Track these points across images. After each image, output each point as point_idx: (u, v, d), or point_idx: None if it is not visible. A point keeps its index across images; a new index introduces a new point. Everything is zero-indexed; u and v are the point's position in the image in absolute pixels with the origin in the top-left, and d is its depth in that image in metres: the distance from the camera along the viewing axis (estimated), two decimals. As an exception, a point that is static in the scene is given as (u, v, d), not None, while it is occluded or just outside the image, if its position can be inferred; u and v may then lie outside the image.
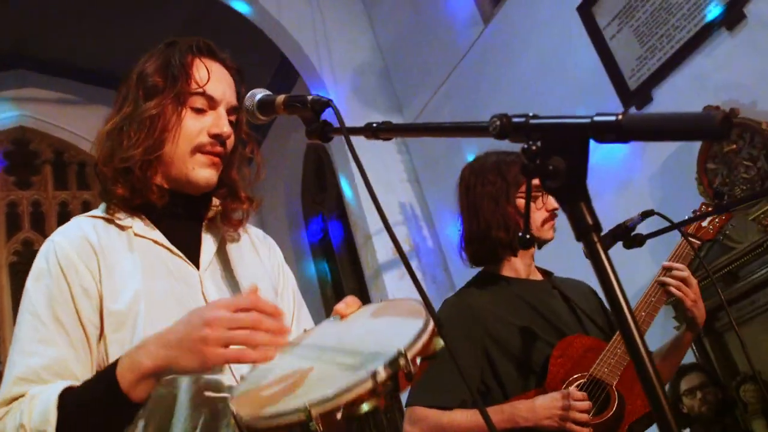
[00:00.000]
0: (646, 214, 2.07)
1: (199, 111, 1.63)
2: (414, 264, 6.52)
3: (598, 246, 0.81)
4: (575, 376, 2.30)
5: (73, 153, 9.00)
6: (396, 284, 6.38)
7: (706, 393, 4.06)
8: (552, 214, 2.54)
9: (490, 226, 2.51)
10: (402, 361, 1.13)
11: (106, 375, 1.34)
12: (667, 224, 2.31)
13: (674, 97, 4.75)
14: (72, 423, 1.32)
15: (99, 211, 1.65)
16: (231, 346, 1.26)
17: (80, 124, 8.71)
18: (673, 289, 2.38)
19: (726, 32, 4.47)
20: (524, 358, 2.35)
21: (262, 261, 1.79)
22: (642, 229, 2.11)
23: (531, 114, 0.88)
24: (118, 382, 1.30)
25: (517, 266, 2.56)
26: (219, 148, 1.64)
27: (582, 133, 0.82)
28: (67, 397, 1.34)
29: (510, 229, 2.48)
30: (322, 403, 1.10)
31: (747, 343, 4.26)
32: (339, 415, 1.10)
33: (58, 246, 1.53)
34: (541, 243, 2.56)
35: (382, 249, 6.53)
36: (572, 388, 2.25)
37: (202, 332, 1.25)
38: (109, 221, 1.60)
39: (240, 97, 1.69)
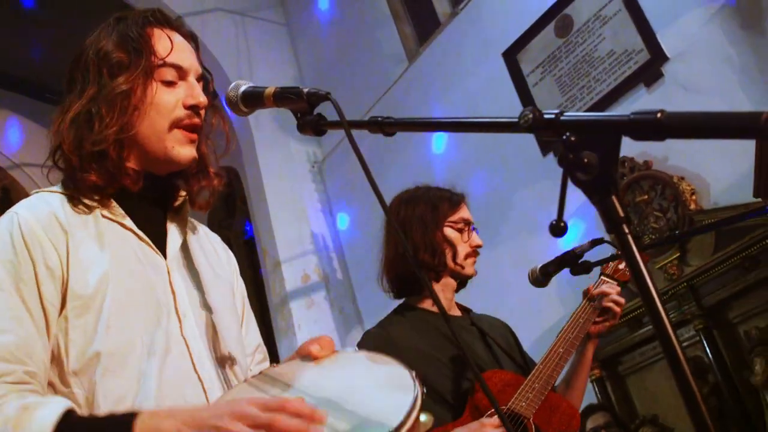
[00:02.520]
0: (594, 243, 2.13)
1: (169, 83, 1.56)
2: (322, 295, 6.50)
3: (629, 237, 0.84)
4: (492, 410, 2.32)
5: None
6: (303, 313, 6.33)
7: (610, 433, 4.18)
8: (474, 251, 2.59)
9: (417, 248, 2.53)
10: None
11: (123, 420, 1.22)
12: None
13: (591, 146, 4.93)
14: None
15: (64, 189, 1.54)
16: None
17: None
18: (611, 305, 2.47)
19: (644, 88, 4.70)
20: (443, 392, 2.36)
21: (222, 263, 1.74)
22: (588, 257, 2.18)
23: (561, 111, 0.90)
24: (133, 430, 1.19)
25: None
26: (197, 120, 1.57)
27: (617, 130, 0.85)
28: (67, 425, 1.22)
29: (436, 255, 2.51)
30: None
31: (648, 387, 4.45)
32: None
33: (23, 220, 1.42)
34: (462, 278, 2.61)
35: (290, 277, 6.48)
36: (490, 419, 2.27)
37: (222, 422, 1.15)
38: (77, 200, 1.50)
39: (200, 63, 1.63)
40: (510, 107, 5.47)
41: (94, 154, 1.48)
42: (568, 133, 0.86)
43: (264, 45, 7.42)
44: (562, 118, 0.90)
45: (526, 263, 2.45)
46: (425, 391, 1.19)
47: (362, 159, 1.13)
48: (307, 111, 1.33)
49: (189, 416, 1.20)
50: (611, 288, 2.52)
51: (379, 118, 1.18)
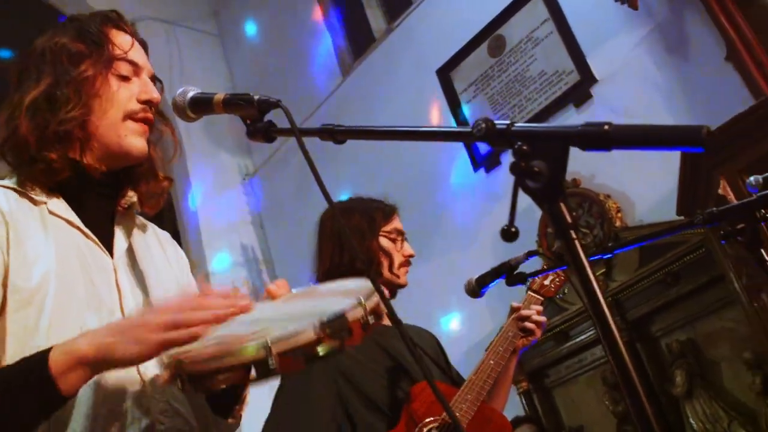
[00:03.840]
0: (530, 254, 2.19)
1: (124, 78, 1.58)
2: (251, 306, 6.45)
3: (577, 243, 0.88)
4: (427, 420, 2.33)
5: None
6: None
7: (538, 444, 4.26)
8: (407, 261, 2.63)
9: (354, 258, 2.54)
10: (360, 310, 1.13)
11: (36, 356, 1.22)
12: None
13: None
14: None
15: (9, 182, 1.52)
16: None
17: None
18: (532, 326, 2.57)
19: (573, 109, 4.83)
20: (378, 401, 2.37)
21: (170, 262, 1.73)
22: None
23: (511, 121, 0.94)
24: (49, 365, 1.19)
25: None
26: (149, 114, 1.59)
27: (566, 140, 0.89)
28: None
29: (372, 264, 2.54)
30: (283, 340, 1.07)
31: (573, 399, 4.56)
32: (298, 354, 1.08)
33: None
34: (395, 288, 2.64)
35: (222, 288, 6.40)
36: (427, 430, 2.30)
37: (144, 317, 1.20)
38: (22, 194, 1.49)
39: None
40: (442, 124, 5.55)
41: (59, 135, 1.48)
42: (519, 143, 0.90)
43: (196, 56, 7.37)
44: (513, 128, 0.94)
45: (459, 276, 2.50)
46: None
47: (312, 164, 1.15)
48: (257, 118, 1.34)
49: (107, 326, 1.24)
50: (530, 311, 2.61)
51: (331, 126, 1.19)
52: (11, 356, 1.32)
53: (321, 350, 1.10)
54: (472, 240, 5.20)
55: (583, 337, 4.53)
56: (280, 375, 1.11)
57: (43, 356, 1.20)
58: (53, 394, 1.19)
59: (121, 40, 1.61)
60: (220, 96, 1.39)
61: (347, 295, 1.24)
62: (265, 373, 1.09)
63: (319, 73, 6.76)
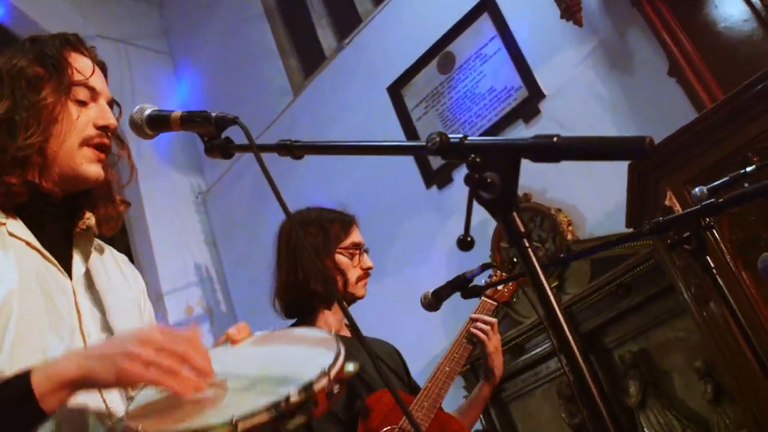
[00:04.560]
0: (485, 267, 2.22)
1: (81, 103, 1.59)
2: (206, 327, 6.42)
3: (529, 250, 0.90)
4: (385, 429, 2.35)
5: None
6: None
7: (494, 458, 4.29)
8: (366, 273, 2.65)
9: (308, 277, 2.54)
10: (325, 381, 1.13)
11: (19, 379, 1.23)
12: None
13: (473, 178, 5.11)
14: None
15: None
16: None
17: None
18: (478, 332, 2.58)
19: (522, 124, 4.91)
20: (336, 411, 2.38)
21: (129, 284, 1.73)
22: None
23: (464, 135, 0.97)
24: (32, 387, 1.20)
25: (329, 320, 2.60)
26: (106, 140, 1.60)
27: (516, 152, 0.92)
28: None
29: (327, 282, 2.54)
30: (250, 417, 1.06)
31: (530, 412, 4.60)
32: (266, 430, 1.08)
33: None
34: (352, 300, 2.65)
35: (173, 308, 6.37)
36: None
37: (128, 347, 1.20)
38: None
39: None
40: (393, 140, 5.59)
41: (18, 160, 1.49)
42: (473, 155, 0.93)
43: (147, 74, 7.33)
44: (466, 141, 0.97)
45: (412, 294, 2.52)
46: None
47: (271, 179, 1.16)
48: (214, 135, 1.35)
49: (88, 351, 1.26)
50: (481, 315, 2.67)
51: (288, 142, 1.21)
52: None
53: (290, 425, 1.11)
54: (425, 257, 5.23)
55: (538, 350, 4.58)
56: None
57: (25, 377, 1.22)
58: (37, 413, 1.21)
59: (82, 64, 1.62)
60: (177, 113, 1.40)
61: (312, 349, 1.26)
62: None
63: (271, 91, 6.76)
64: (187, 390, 1.18)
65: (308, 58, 6.79)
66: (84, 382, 1.23)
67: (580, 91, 4.68)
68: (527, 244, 0.91)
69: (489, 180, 0.92)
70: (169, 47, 7.85)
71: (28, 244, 1.51)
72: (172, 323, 6.32)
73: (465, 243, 0.92)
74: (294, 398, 1.09)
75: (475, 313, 2.72)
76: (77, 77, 1.59)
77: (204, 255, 6.90)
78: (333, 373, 1.16)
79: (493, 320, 2.66)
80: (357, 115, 5.90)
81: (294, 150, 1.21)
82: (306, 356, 1.26)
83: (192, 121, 1.36)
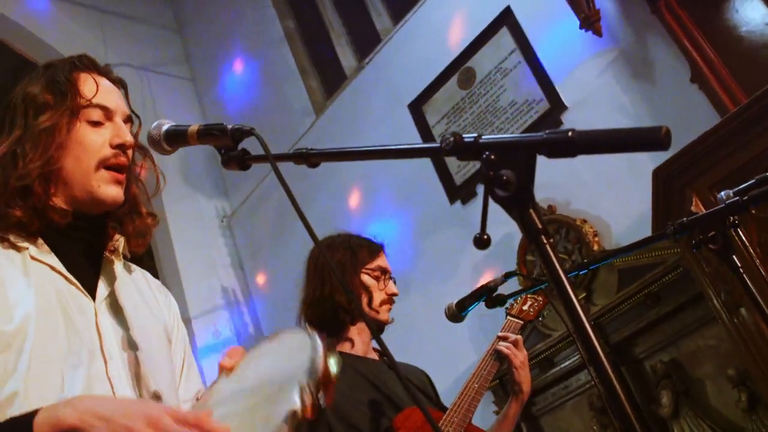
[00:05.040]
0: (508, 275, 2.21)
1: (96, 124, 1.59)
2: (234, 349, 6.41)
3: (548, 247, 0.89)
4: None
5: None
6: (215, 369, 6.20)
7: (528, 473, 4.24)
8: (390, 299, 2.66)
9: (334, 290, 2.56)
10: (308, 395, 1.14)
11: (20, 421, 1.22)
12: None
13: (497, 193, 5.09)
14: None
15: None
16: None
17: None
18: (503, 348, 2.56)
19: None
20: (362, 430, 2.38)
21: (160, 308, 1.74)
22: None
23: (479, 134, 0.96)
24: (32, 429, 1.18)
25: (356, 342, 2.62)
26: (123, 159, 1.60)
27: (532, 148, 0.92)
28: None
29: (352, 298, 2.55)
30: None
31: (560, 426, 4.54)
32: None
33: None
34: (376, 323, 2.65)
35: (201, 333, 6.38)
36: None
37: (135, 424, 1.16)
38: (3, 240, 1.50)
39: (129, 107, 1.68)
40: (417, 159, 5.59)
41: (18, 190, 1.49)
42: (487, 152, 0.92)
43: (170, 100, 7.39)
44: (480, 140, 0.96)
45: (438, 311, 2.51)
46: (324, 342, 1.24)
47: (289, 191, 1.17)
48: (231, 147, 1.36)
49: (94, 406, 1.20)
50: (508, 334, 2.67)
51: (304, 150, 1.21)
52: None
53: None
54: (451, 272, 5.21)
55: (567, 363, 4.53)
56: None
57: (28, 420, 1.20)
58: None
59: (90, 85, 1.61)
60: (194, 127, 1.40)
61: (295, 359, 1.25)
62: None
63: (293, 112, 6.80)
64: None
65: (329, 78, 6.83)
66: None
67: (602, 102, 4.65)
68: (545, 241, 0.90)
69: (504, 177, 0.92)
70: (191, 73, 7.92)
71: (51, 267, 1.52)
72: (200, 348, 6.33)
73: (481, 241, 0.91)
74: (285, 422, 1.11)
75: (501, 332, 2.72)
76: (86, 98, 1.59)
77: (230, 278, 6.92)
78: (312, 382, 1.17)
79: (518, 337, 2.65)
80: (379, 133, 5.90)
81: (309, 158, 1.21)
82: (290, 367, 1.24)
83: (209, 134, 1.37)
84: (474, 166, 5.20)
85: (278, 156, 1.24)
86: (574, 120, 4.76)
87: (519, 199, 0.92)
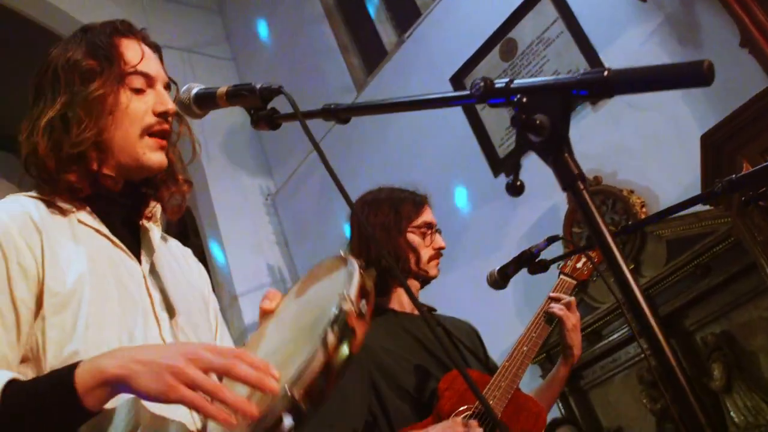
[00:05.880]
0: (551, 240, 2.16)
1: (138, 91, 1.59)
2: (281, 326, 6.45)
3: (585, 193, 0.85)
4: (461, 408, 2.31)
5: None
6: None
7: (577, 446, 4.20)
8: (438, 253, 2.61)
9: (379, 255, 2.52)
10: (348, 304, 1.11)
11: (61, 373, 1.22)
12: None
13: (541, 165, 4.98)
14: (12, 417, 1.19)
15: (38, 194, 1.54)
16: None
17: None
18: (556, 310, 2.50)
19: (590, 106, 4.79)
20: (411, 391, 2.36)
21: (193, 275, 1.75)
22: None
23: (511, 79, 0.92)
24: (75, 382, 1.18)
25: (402, 300, 2.58)
26: (166, 126, 1.60)
27: (566, 90, 0.87)
28: (12, 389, 1.22)
29: (399, 260, 2.52)
30: (300, 379, 1.06)
31: (610, 399, 4.48)
32: (320, 381, 1.07)
33: None
34: (426, 280, 2.62)
35: (249, 310, 6.42)
36: (461, 418, 2.27)
37: (176, 362, 1.15)
38: (51, 204, 1.51)
39: (166, 73, 1.68)
40: (459, 131, 5.53)
41: (73, 156, 1.50)
42: (519, 95, 0.88)
43: (212, 81, 7.31)
44: (512, 85, 0.92)
45: (483, 285, 2.46)
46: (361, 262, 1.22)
47: (322, 153, 1.15)
48: (260, 106, 1.34)
49: (133, 353, 1.20)
50: (561, 295, 2.59)
51: (332, 105, 1.18)
52: (51, 359, 1.35)
53: (338, 365, 1.09)
54: (496, 246, 5.15)
55: (616, 336, 4.46)
56: (316, 413, 1.10)
57: (69, 372, 1.21)
58: (78, 409, 1.19)
59: (132, 52, 1.61)
60: (223, 89, 1.39)
61: (331, 279, 1.25)
62: (299, 416, 1.07)
63: (334, 90, 6.77)
64: (227, 422, 1.13)
65: (370, 54, 6.79)
66: (123, 385, 1.19)
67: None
68: (583, 187, 0.85)
69: (538, 122, 0.87)
70: (232, 53, 7.94)
71: (97, 231, 1.53)
72: (248, 325, 6.38)
73: (514, 187, 0.87)
74: (326, 346, 1.08)
75: (553, 292, 2.64)
76: (130, 65, 1.59)
77: (276, 256, 6.95)
78: (352, 292, 1.14)
79: (571, 298, 2.58)
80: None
81: (338, 113, 1.18)
82: (327, 289, 1.24)
83: (238, 94, 1.35)
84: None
85: (307, 113, 1.21)
86: (620, 89, 4.65)
87: (553, 144, 0.88)
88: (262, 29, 7.59)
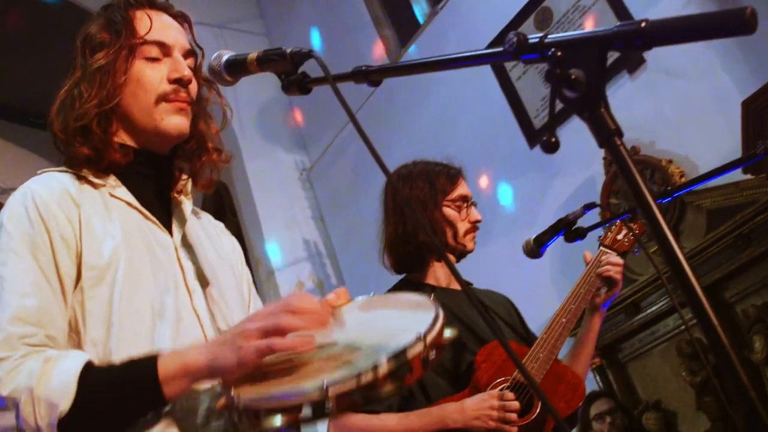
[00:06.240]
0: (588, 207, 2.13)
1: (153, 60, 1.59)
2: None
3: (622, 149, 0.83)
4: (499, 380, 2.31)
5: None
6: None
7: (615, 418, 4.16)
8: (474, 226, 2.58)
9: (417, 229, 2.50)
10: (420, 346, 1.09)
11: (145, 361, 1.26)
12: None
13: (578, 135, 4.91)
14: (90, 403, 1.22)
15: (70, 169, 1.57)
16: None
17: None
18: (612, 274, 2.47)
19: (627, 75, 4.71)
20: (447, 364, 2.35)
21: (225, 248, 1.76)
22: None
23: (545, 34, 0.90)
24: (158, 372, 1.23)
25: (438, 275, 2.57)
26: (183, 94, 1.59)
27: (602, 43, 0.84)
28: (90, 373, 1.25)
29: (436, 234, 2.49)
30: (341, 383, 1.05)
31: (648, 372, 4.43)
32: (356, 396, 1.06)
33: (37, 194, 1.45)
34: (462, 254, 2.59)
35: (285, 284, 6.46)
36: (498, 390, 2.26)
37: (243, 326, 1.23)
38: (82, 179, 1.53)
39: (192, 42, 1.68)
40: (495, 103, 5.48)
41: (78, 129, 1.51)
42: (553, 49, 0.85)
43: (246, 57, 7.41)
44: (546, 40, 0.89)
45: (518, 259, 2.42)
46: (445, 313, 1.20)
47: (350, 110, 1.11)
48: (291, 71, 1.32)
49: (212, 340, 1.28)
50: (612, 257, 2.52)
51: (363, 67, 1.16)
52: (90, 331, 1.38)
53: (381, 392, 1.08)
54: (533, 218, 5.10)
55: (654, 308, 4.40)
56: (335, 418, 1.10)
57: (152, 362, 1.25)
58: (158, 399, 1.24)
59: (144, 22, 1.61)
60: (253, 54, 1.38)
61: (410, 313, 1.23)
62: (319, 414, 1.07)
63: (368, 63, 6.71)
64: (304, 344, 1.18)
65: (403, 26, 6.73)
66: (208, 372, 1.24)
67: (687, 36, 4.43)
68: (620, 142, 0.83)
69: (573, 76, 0.85)
70: (265, 29, 7.92)
71: (128, 204, 1.55)
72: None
73: (550, 144, 0.84)
74: (383, 367, 1.07)
75: (593, 263, 2.57)
76: (140, 35, 1.58)
77: (312, 230, 6.98)
78: (429, 338, 1.12)
79: (621, 260, 2.53)
80: (455, 79, 5.80)
81: (369, 75, 1.16)
82: (403, 321, 1.23)
83: (268, 59, 1.34)
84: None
85: (338, 76, 1.20)
86: (657, 56, 4.56)
87: (590, 100, 0.85)
88: (295, 4, 7.56)
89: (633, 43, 0.82)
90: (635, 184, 0.80)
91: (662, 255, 0.77)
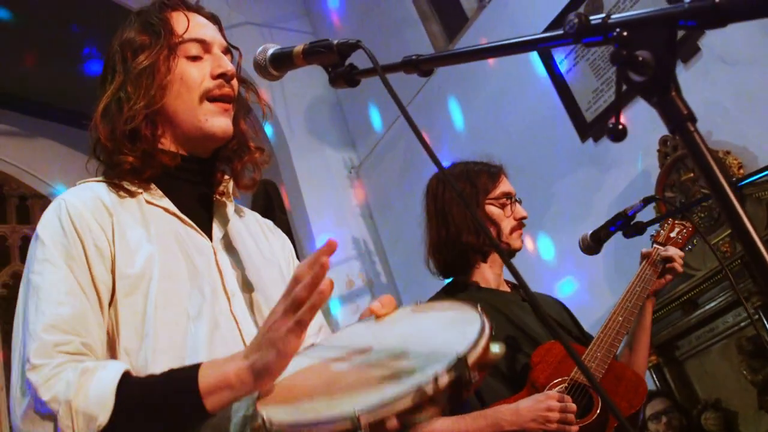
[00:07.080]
0: (647, 201, 2.06)
1: (195, 58, 1.59)
2: (368, 299, 6.44)
3: (695, 135, 0.77)
4: (556, 381, 2.26)
5: (14, 186, 8.65)
6: (349, 318, 6.27)
7: (671, 418, 4.06)
8: (520, 223, 2.53)
9: (460, 231, 2.47)
10: (461, 368, 1.02)
11: (185, 372, 1.24)
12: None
13: (631, 128, 4.81)
14: (129, 416, 1.20)
15: (106, 177, 1.57)
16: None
17: (22, 156, 8.45)
18: (675, 266, 2.46)
19: (681, 64, 4.58)
20: (501, 366, 2.31)
21: (273, 250, 1.73)
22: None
23: (609, 14, 0.84)
24: (199, 385, 1.20)
25: (487, 276, 2.52)
26: (227, 89, 1.59)
27: (672, 21, 0.79)
28: (128, 384, 1.23)
29: (480, 235, 2.45)
30: (374, 411, 0.98)
31: (707, 370, 4.31)
32: (392, 424, 0.99)
33: (71, 204, 1.45)
34: (510, 254, 2.53)
35: (334, 282, 6.43)
36: (555, 391, 2.20)
37: (267, 321, 1.19)
38: (119, 187, 1.53)
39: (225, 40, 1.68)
40: (544, 96, 5.39)
41: (127, 134, 1.51)
42: (618, 29, 0.79)
43: (292, 55, 7.44)
44: (610, 20, 0.83)
45: (570, 253, 2.37)
46: (493, 325, 1.12)
47: (398, 100, 1.07)
48: (338, 63, 1.28)
49: (244, 351, 1.22)
50: (671, 249, 2.46)
51: (413, 56, 1.12)
52: (125, 340, 1.37)
53: (419, 419, 1.01)
54: (585, 213, 5.01)
55: (712, 305, 4.26)
56: None
57: (193, 374, 1.22)
58: (200, 411, 1.21)
59: (182, 21, 1.62)
60: (299, 47, 1.35)
61: (454, 330, 1.15)
62: None
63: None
64: (322, 294, 1.17)
65: (450, 21, 6.66)
66: (253, 374, 1.18)
67: (742, 23, 4.28)
68: (693, 128, 0.76)
69: (641, 59, 0.79)
70: (312, 27, 7.92)
71: (165, 210, 1.54)
72: (335, 297, 6.40)
73: (617, 131, 0.78)
74: (425, 386, 0.99)
75: (646, 263, 2.51)
76: (179, 34, 1.59)
77: (361, 228, 6.95)
78: (472, 358, 1.04)
79: (681, 253, 2.49)
80: (505, 74, 5.72)
81: (420, 64, 1.12)
82: (446, 336, 1.15)
83: (314, 52, 1.31)
84: (605, 100, 4.97)
85: (387, 67, 1.16)
86: (713, 44, 4.43)
87: (659, 83, 0.79)
88: (341, 1, 7.55)
89: (706, 19, 0.76)
90: (711, 173, 0.75)
91: (740, 242, 0.71)
